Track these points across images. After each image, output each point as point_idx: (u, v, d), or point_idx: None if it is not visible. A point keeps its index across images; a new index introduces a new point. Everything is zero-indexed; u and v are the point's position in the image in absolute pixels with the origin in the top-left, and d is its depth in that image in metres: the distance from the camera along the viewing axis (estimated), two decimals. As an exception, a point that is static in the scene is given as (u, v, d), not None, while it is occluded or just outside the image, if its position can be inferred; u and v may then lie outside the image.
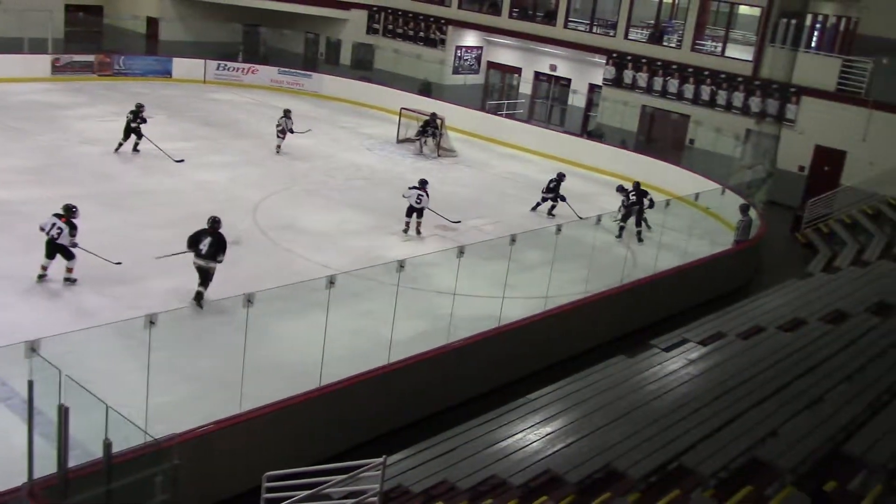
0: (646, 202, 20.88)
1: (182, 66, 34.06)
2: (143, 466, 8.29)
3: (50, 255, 14.26)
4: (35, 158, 21.45)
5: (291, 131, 25.09)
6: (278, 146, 25.08)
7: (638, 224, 20.85)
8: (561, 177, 22.53)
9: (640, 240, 20.55)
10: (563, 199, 22.06)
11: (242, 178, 22.18)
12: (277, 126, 25.19)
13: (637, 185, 21.40)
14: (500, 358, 13.40)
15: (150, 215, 18.45)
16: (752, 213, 21.06)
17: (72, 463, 8.18)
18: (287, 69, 35.66)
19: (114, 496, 8.07)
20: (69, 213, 14.41)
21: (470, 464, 9.43)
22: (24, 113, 25.93)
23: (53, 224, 14.11)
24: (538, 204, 22.45)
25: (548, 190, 22.32)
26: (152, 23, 38.16)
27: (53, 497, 8.06)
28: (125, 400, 9.65)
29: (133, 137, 22.69)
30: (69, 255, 14.32)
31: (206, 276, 14.25)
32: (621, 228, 20.78)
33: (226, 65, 34.95)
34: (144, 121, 22.76)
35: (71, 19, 35.81)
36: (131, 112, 22.68)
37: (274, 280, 14.02)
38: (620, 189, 21.67)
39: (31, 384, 8.37)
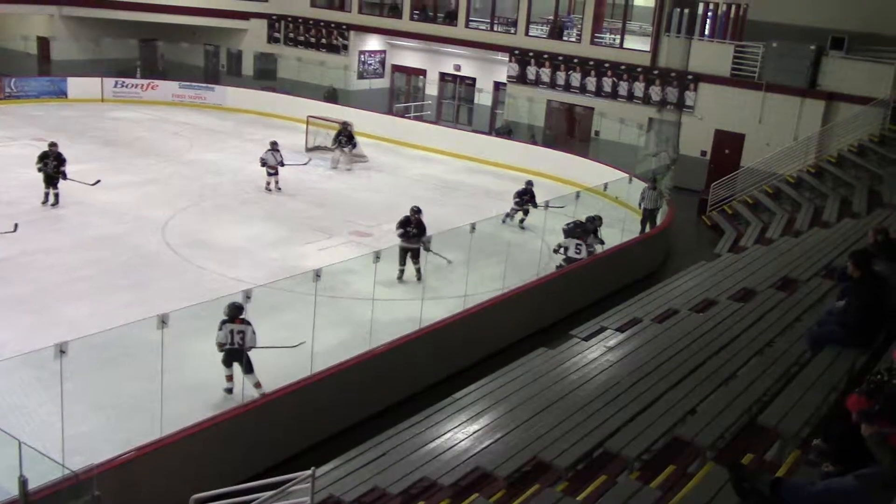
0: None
1: (78, 85, 33.10)
2: (62, 501, 8.03)
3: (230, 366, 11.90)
4: (-74, 190, 20.57)
5: (282, 164, 22.76)
6: (268, 184, 22.77)
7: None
8: (529, 184, 21.78)
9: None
10: (536, 206, 21.08)
11: (149, 196, 21.68)
12: (262, 163, 22.77)
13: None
14: (423, 360, 13.43)
15: (54, 240, 17.89)
16: (663, 189, 21.83)
17: (-14, 504, 7.88)
18: (188, 83, 35.01)
19: (34, 534, 7.80)
20: (240, 311, 11.62)
21: (400, 468, 9.42)
22: (-89, 143, 24.82)
23: (231, 331, 11.64)
24: (508, 214, 21.59)
25: (519, 200, 21.56)
26: (43, 43, 36.94)
27: (-31, 541, 7.76)
28: (39, 433, 9.36)
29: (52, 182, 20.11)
30: (249, 368, 11.81)
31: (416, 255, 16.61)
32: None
33: (124, 82, 34.10)
34: (63, 160, 20.22)
35: (-45, 43, 34.46)
36: (44, 155, 20.10)
37: (188, 299, 13.75)
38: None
39: (-65, 426, 8.05)
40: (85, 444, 10.18)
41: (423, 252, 16.69)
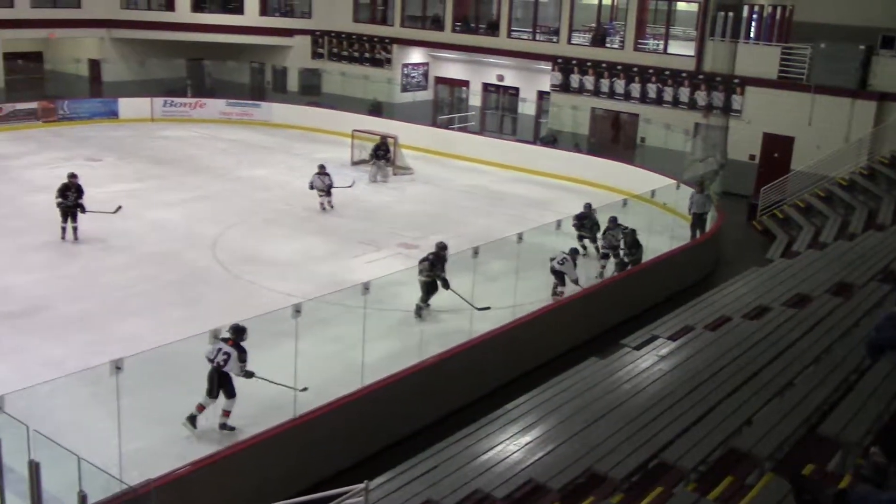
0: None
1: (128, 105, 33.76)
2: (121, 515, 8.15)
3: (212, 391, 11.47)
4: (-15, 211, 21.11)
5: (331, 187, 22.63)
6: (321, 204, 22.59)
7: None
8: (588, 208, 19.59)
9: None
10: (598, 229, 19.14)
11: (199, 213, 21.99)
12: (310, 186, 22.64)
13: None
14: (473, 371, 13.40)
15: (108, 259, 18.24)
16: (712, 193, 21.54)
17: (48, 519, 8.02)
18: (235, 100, 35.49)
19: (94, 548, 7.92)
20: (237, 334, 11.60)
21: (452, 481, 9.38)
22: (-30, 166, 25.51)
23: (219, 349, 11.42)
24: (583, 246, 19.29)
25: (579, 225, 19.48)
26: (94, 65, 37.79)
27: (32, 555, 7.90)
28: (97, 449, 9.51)
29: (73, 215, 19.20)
30: (230, 392, 11.60)
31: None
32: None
33: (173, 101, 34.69)
34: (82, 192, 19.29)
35: (10, 67, 35.34)
36: (65, 188, 19.11)
37: (239, 314, 13.89)
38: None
39: (-2, 442, 8.22)
40: (141, 459, 10.33)
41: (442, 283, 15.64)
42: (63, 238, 19.06)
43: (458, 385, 13.12)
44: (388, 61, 35.99)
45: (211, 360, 11.32)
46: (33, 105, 31.78)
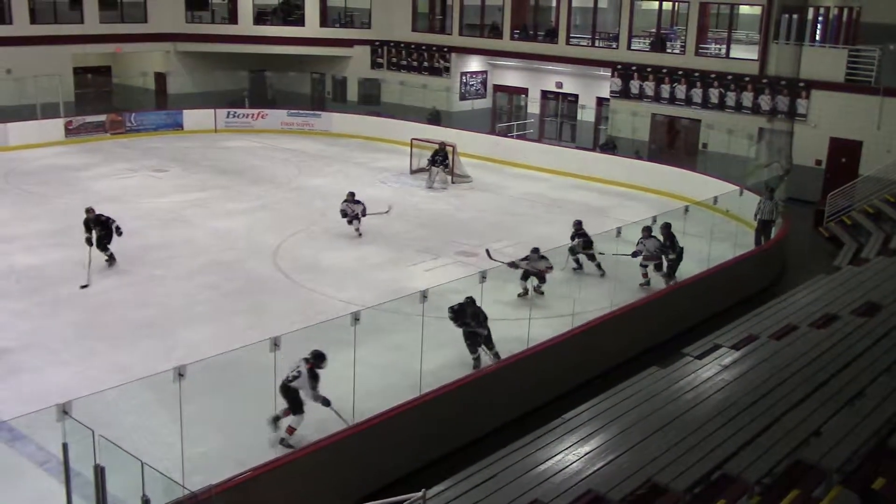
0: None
1: (192, 117, 34.47)
2: (183, 520, 8.27)
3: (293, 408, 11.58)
4: (56, 221, 21.69)
5: (364, 214, 21.12)
6: (357, 230, 21.21)
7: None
8: (578, 226, 18.87)
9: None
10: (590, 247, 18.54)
11: (260, 223, 22.31)
12: (342, 215, 21.10)
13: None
14: (531, 380, 13.30)
15: (173, 268, 18.58)
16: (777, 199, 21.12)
17: (113, 522, 8.17)
18: (296, 111, 35.96)
19: (157, 552, 8.04)
20: (315, 359, 11.57)
21: (511, 490, 9.31)
22: (42, 177, 26.29)
23: (297, 366, 11.52)
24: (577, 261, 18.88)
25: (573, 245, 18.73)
26: (160, 78, 38.69)
27: (97, 558, 8.05)
28: (161, 454, 9.68)
29: (96, 249, 18.09)
30: (296, 410, 11.57)
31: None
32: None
33: (235, 112, 35.31)
34: (108, 222, 18.33)
35: (80, 81, 36.41)
36: (88, 223, 18.07)
37: (299, 322, 14.04)
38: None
39: (65, 447, 8.41)
40: (203, 465, 10.48)
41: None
42: (85, 285, 17.28)
43: (517, 394, 13.04)
44: (447, 70, 36.10)
45: (290, 377, 11.45)
46: (102, 118, 32.64)
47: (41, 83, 31.32)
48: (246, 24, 37.59)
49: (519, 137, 33.21)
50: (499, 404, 12.76)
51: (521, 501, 9.01)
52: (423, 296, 12.11)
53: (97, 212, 18.47)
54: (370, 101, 38.04)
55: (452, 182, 27.37)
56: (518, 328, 14.82)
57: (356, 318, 11.36)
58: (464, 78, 36.34)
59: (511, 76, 36.06)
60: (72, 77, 35.36)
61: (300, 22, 37.89)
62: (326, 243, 20.85)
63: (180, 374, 9.64)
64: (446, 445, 11.89)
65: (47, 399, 9.94)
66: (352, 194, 21.24)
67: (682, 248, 17.92)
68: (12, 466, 10.91)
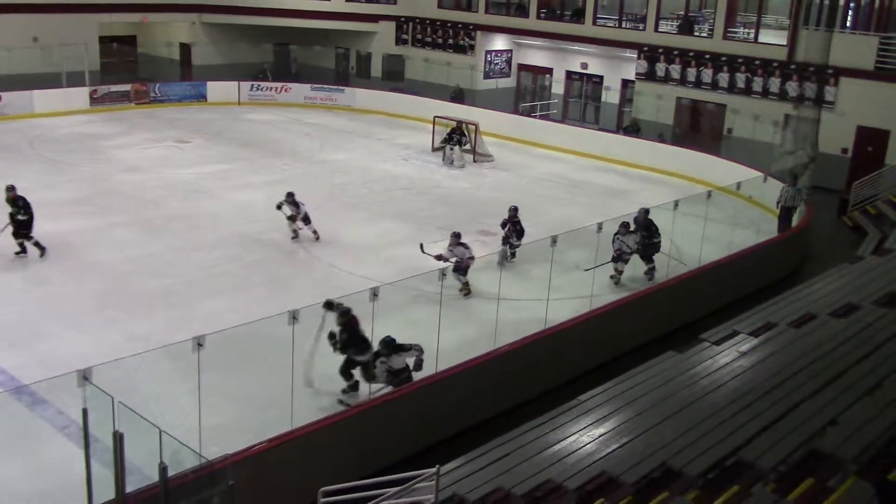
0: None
1: (216, 89, 34.54)
2: (199, 488, 8.34)
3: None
4: (80, 189, 21.85)
5: (293, 218, 18.83)
6: (294, 231, 18.97)
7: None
8: (514, 211, 18.22)
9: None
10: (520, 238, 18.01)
11: (281, 196, 22.29)
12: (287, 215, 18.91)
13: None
14: (548, 360, 13.30)
15: (193, 239, 18.68)
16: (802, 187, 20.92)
17: (130, 488, 8.26)
18: (319, 85, 35.93)
19: (173, 519, 8.14)
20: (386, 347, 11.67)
21: (524, 469, 9.35)
22: (66, 145, 26.45)
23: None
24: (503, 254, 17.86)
25: (507, 232, 18.13)
26: (185, 49, 38.73)
27: (114, 523, 8.16)
28: (178, 423, 9.76)
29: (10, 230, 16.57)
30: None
31: None
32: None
33: (259, 85, 35.33)
34: (28, 204, 16.62)
35: (106, 50, 36.50)
36: (12, 202, 16.59)
37: (318, 296, 14.07)
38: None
39: (85, 412, 8.50)
40: (220, 435, 10.57)
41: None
42: (19, 253, 16.74)
43: (532, 374, 13.04)
44: (472, 48, 35.92)
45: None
46: (126, 87, 32.77)
47: (67, 51, 31.44)
48: (272, -3, 37.57)
49: (542, 117, 33.05)
50: (515, 384, 12.76)
51: (534, 480, 9.04)
52: (443, 273, 12.12)
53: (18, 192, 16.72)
54: (394, 78, 37.93)
55: (474, 161, 27.30)
56: (536, 308, 14.81)
57: (375, 293, 11.38)
58: (488, 56, 36.15)
59: (536, 56, 35.82)
60: (98, 46, 35.47)
61: (326, -4, 37.84)
62: (347, 218, 20.89)
63: (199, 344, 9.70)
64: (461, 423, 11.93)
65: (67, 365, 10.03)
66: (290, 194, 18.93)
67: (659, 240, 17.38)
68: (33, 430, 11.07)
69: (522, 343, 13.02)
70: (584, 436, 9.99)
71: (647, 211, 17.61)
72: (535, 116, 33.06)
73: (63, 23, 33.25)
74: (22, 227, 16.65)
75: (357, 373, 12.22)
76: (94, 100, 31.54)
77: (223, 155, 26.53)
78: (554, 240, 14.15)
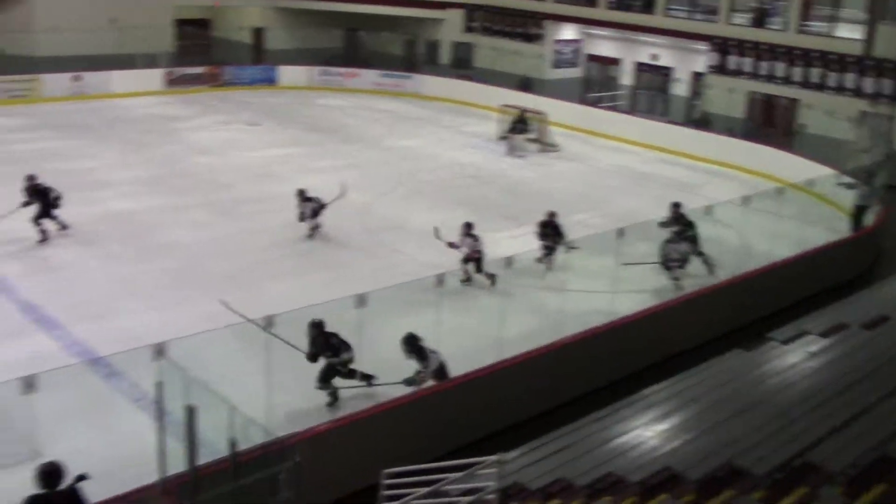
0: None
1: (287, 73, 35.01)
2: (267, 464, 8.55)
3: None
4: (153, 169, 22.41)
5: (317, 213, 18.32)
6: (311, 229, 18.32)
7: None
8: (551, 216, 17.52)
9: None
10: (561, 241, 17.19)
11: (349, 181, 22.53)
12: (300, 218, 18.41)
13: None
14: (611, 353, 13.26)
15: (263, 221, 19.02)
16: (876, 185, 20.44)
17: (200, 461, 8.50)
18: (388, 71, 36.14)
19: (241, 493, 8.35)
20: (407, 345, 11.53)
21: (586, 461, 9.34)
22: (142, 126, 27.13)
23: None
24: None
25: (542, 234, 17.35)
26: (257, 33, 39.29)
27: (186, 494, 8.41)
28: (247, 399, 10.00)
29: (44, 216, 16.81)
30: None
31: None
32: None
33: (328, 70, 35.69)
34: (46, 193, 16.81)
35: (181, 33, 37.24)
36: (34, 191, 16.79)
37: (383, 281, 14.23)
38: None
39: (159, 385, 8.77)
40: (286, 414, 10.80)
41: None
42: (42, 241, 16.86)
43: (595, 366, 13.02)
44: (540, 37, 35.72)
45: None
46: (200, 70, 33.41)
47: (143, 33, 32.17)
48: (343, -17, 37.85)
49: (609, 108, 32.75)
50: (577, 376, 12.76)
51: (595, 473, 9.04)
52: (508, 262, 12.15)
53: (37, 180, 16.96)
54: (462, 66, 37.93)
55: (541, 151, 27.21)
56: (602, 300, 14.75)
57: (440, 280, 11.49)
58: (557, 46, 35.92)
59: (605, 46, 35.47)
60: (173, 28, 36.19)
61: (397, -18, 37.97)
62: (414, 205, 21.02)
63: (269, 324, 9.93)
64: (523, 413, 11.98)
65: (141, 340, 10.36)
66: (301, 192, 18.60)
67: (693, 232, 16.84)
68: (108, 401, 11.46)
69: (586, 335, 12.99)
70: (647, 430, 9.93)
71: (677, 205, 17.32)
72: (602, 107, 32.78)
73: (140, 5, 34.09)
74: (41, 214, 16.73)
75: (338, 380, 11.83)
76: (169, 81, 32.24)
77: (292, 139, 26.92)
78: (620, 232, 14.08)
